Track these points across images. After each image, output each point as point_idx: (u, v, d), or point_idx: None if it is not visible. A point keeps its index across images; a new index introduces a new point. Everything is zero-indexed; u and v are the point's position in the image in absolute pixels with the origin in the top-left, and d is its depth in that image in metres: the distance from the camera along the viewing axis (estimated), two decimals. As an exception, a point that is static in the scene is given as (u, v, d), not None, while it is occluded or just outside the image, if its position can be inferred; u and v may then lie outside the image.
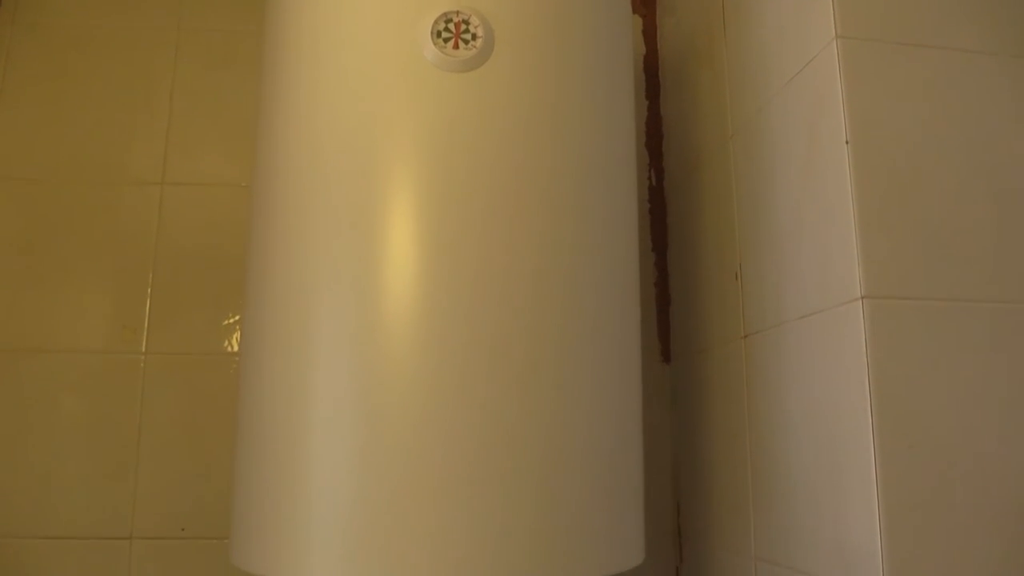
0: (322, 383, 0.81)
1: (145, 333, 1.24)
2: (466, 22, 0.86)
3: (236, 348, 1.24)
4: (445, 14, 0.86)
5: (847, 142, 0.80)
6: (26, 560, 1.16)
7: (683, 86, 1.29)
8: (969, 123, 0.82)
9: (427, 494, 0.76)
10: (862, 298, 0.77)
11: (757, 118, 1.00)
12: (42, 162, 1.28)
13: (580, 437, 0.83)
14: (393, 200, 0.84)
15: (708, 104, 1.18)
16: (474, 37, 0.86)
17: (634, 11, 1.40)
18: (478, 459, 0.77)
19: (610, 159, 0.95)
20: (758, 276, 0.99)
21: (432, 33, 0.85)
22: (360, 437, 0.78)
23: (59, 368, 1.22)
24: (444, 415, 0.77)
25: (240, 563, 0.85)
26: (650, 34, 1.44)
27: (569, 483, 0.81)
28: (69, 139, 1.29)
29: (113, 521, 1.19)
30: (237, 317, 1.25)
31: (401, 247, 0.82)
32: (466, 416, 0.78)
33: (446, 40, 0.85)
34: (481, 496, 0.77)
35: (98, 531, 1.18)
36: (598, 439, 0.85)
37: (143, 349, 1.23)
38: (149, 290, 1.25)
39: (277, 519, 0.80)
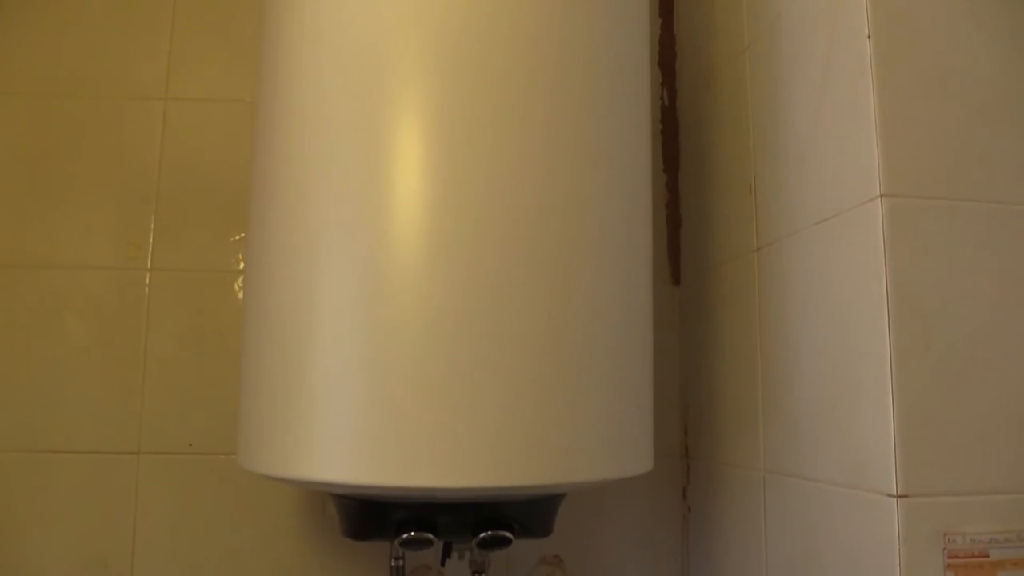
0: (329, 284, 0.80)
1: (150, 249, 1.23)
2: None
3: (242, 265, 1.23)
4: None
5: (869, 37, 0.78)
6: (33, 473, 1.17)
7: (697, 1, 1.26)
8: (1002, 17, 0.79)
9: (434, 393, 0.75)
10: (881, 196, 0.75)
11: (775, 24, 0.97)
12: (42, 77, 1.25)
13: (588, 341, 0.82)
14: (400, 102, 0.82)
15: (723, 17, 1.15)
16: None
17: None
18: (485, 359, 0.76)
19: (623, 76, 0.93)
20: (773, 186, 0.97)
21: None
22: (367, 337, 0.77)
23: (64, 285, 1.21)
24: (452, 315, 0.76)
25: (248, 465, 0.84)
26: (664, -50, 1.40)
27: (575, 386, 0.80)
28: (69, 54, 1.26)
29: (120, 436, 1.19)
30: (243, 234, 1.23)
31: (409, 149, 0.81)
32: (474, 316, 0.77)
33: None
34: (487, 396, 0.76)
35: (105, 446, 1.18)
36: (606, 344, 0.84)
37: (148, 266, 1.22)
38: (154, 206, 1.24)
39: (284, 420, 0.79)
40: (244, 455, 0.85)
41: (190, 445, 1.19)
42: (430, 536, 0.85)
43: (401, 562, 1.04)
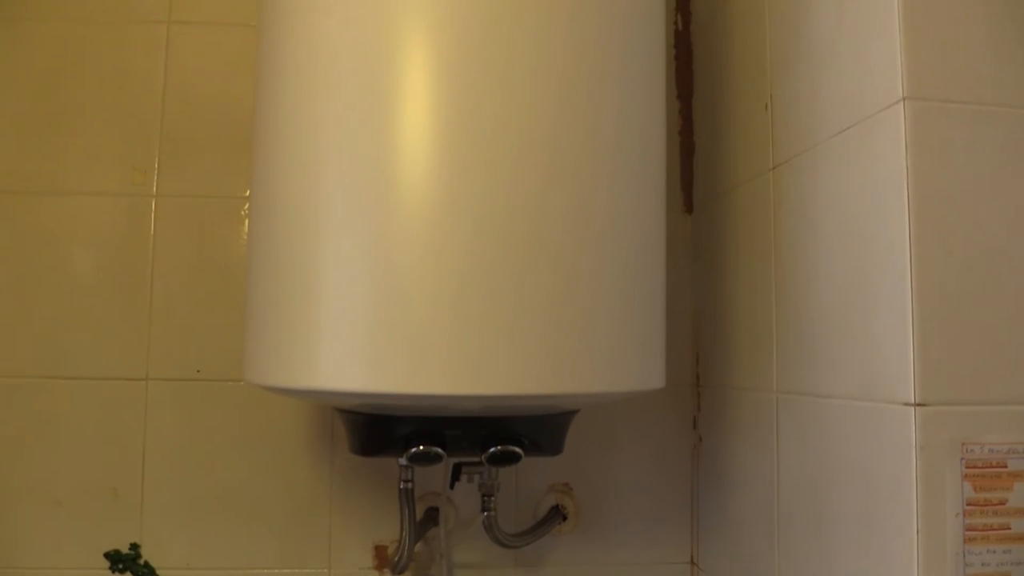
0: (336, 191, 0.78)
1: (155, 175, 1.21)
2: None
3: (248, 192, 1.21)
4: None
5: (895, -67, 0.75)
6: (42, 399, 1.16)
7: (714, -80, 1.23)
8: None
9: (445, 299, 0.74)
10: (904, 100, 0.73)
11: (795, -68, 0.94)
12: (44, 2, 1.23)
13: (601, 254, 0.81)
14: (412, 11, 0.80)
15: (740, -67, 1.11)
16: None
17: None
18: (498, 266, 0.75)
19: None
20: (791, 101, 0.94)
21: None
22: (376, 243, 0.76)
23: (69, 211, 1.19)
24: (464, 219, 0.75)
25: (256, 379, 0.84)
26: None
27: (588, 297, 0.79)
28: (71, -24, 1.24)
29: (128, 363, 1.18)
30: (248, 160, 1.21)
31: (420, 59, 0.78)
32: (487, 222, 0.75)
33: None
34: (499, 302, 0.75)
35: (113, 372, 1.18)
36: (620, 258, 0.83)
37: (154, 192, 1.21)
38: (158, 132, 1.22)
39: (292, 329, 0.78)
40: (251, 369, 0.84)
41: (198, 371, 1.19)
42: (439, 450, 0.84)
43: (410, 485, 1.04)
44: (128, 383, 1.18)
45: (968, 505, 0.71)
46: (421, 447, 0.84)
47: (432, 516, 1.17)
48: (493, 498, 1.07)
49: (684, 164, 1.28)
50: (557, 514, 1.20)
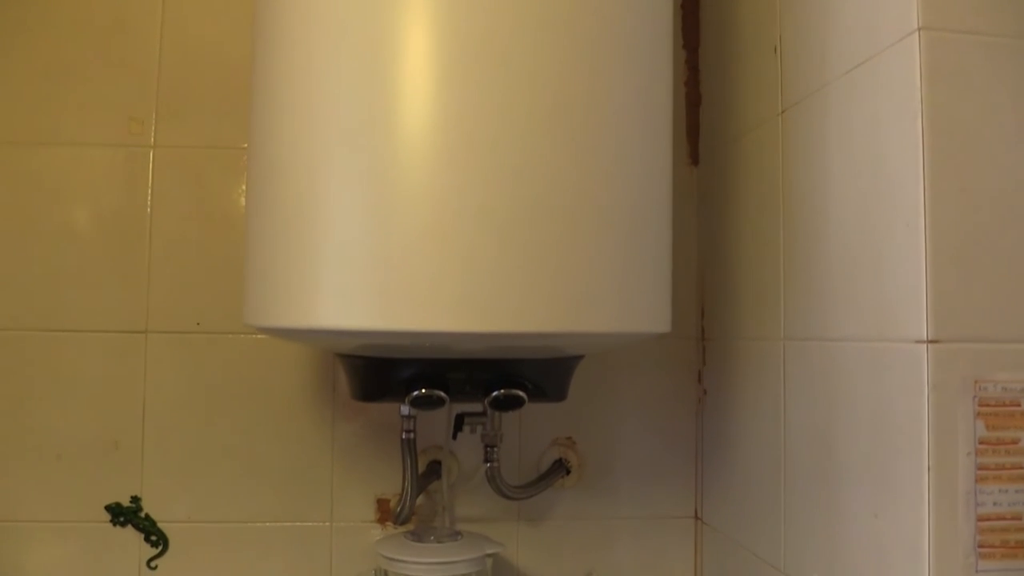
0: (337, 124, 0.76)
1: (153, 126, 1.19)
2: None
3: (245, 145, 1.19)
4: None
5: None
6: (41, 352, 1.15)
7: None
8: None
9: (449, 235, 0.72)
10: (919, 30, 0.71)
11: None
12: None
13: (609, 193, 0.79)
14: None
15: None
16: None
17: None
18: (504, 201, 0.73)
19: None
20: (801, 41, 0.92)
21: None
22: (377, 176, 0.74)
23: (66, 162, 1.18)
24: (468, 153, 0.73)
25: (256, 321, 0.82)
26: None
27: (595, 236, 0.77)
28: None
29: (127, 315, 1.17)
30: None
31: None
32: (492, 156, 0.74)
33: None
34: (505, 239, 0.73)
35: (113, 325, 1.17)
36: (627, 199, 0.81)
37: (152, 142, 1.19)
38: (156, 81, 1.19)
39: (294, 268, 0.77)
40: (252, 312, 0.83)
41: (198, 324, 1.17)
42: (441, 394, 0.83)
43: (412, 435, 1.03)
44: (128, 336, 1.17)
45: (980, 444, 0.69)
46: (423, 390, 0.83)
47: (435, 469, 1.16)
48: (496, 449, 1.06)
49: (690, 115, 1.26)
50: (560, 467, 1.19)
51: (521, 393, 0.84)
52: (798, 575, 0.91)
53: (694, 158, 1.26)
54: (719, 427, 1.16)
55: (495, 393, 0.84)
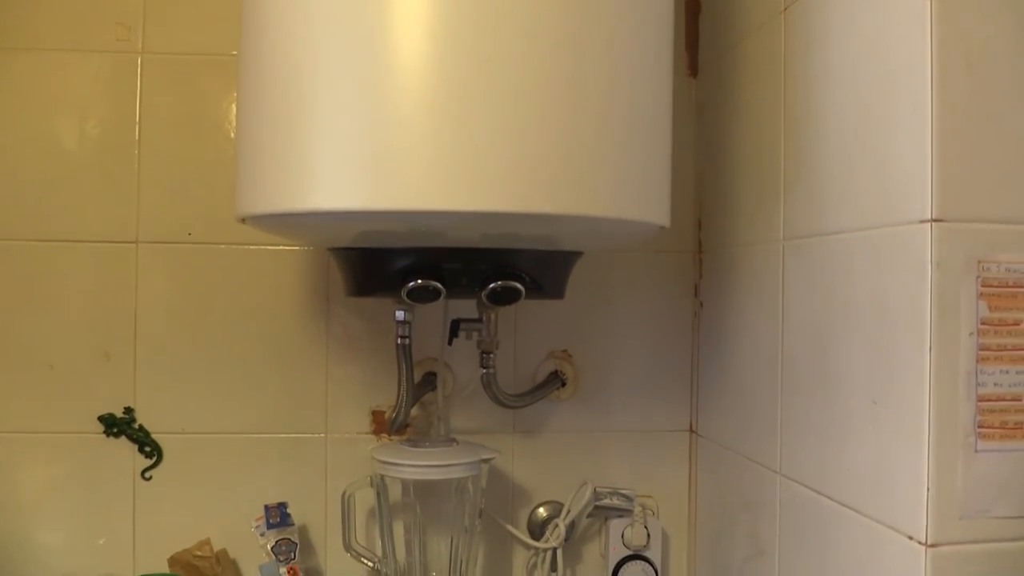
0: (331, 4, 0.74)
1: (141, 31, 1.16)
2: None
3: (235, 53, 1.17)
4: None
5: None
6: (30, 262, 1.14)
7: None
8: None
9: (443, 111, 0.70)
10: (929, -98, 0.69)
11: None
12: None
13: (610, 79, 0.77)
14: None
15: None
16: None
17: None
18: (502, 78, 0.71)
19: None
20: (805, -68, 0.90)
21: None
22: (373, 57, 0.72)
23: (49, 68, 1.15)
24: (466, 25, 0.71)
25: (249, 209, 0.80)
26: None
27: (596, 119, 0.76)
28: None
29: (117, 225, 1.15)
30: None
31: None
32: (491, 30, 0.71)
33: None
34: (503, 119, 0.71)
35: (103, 235, 1.15)
36: (627, 89, 0.79)
37: (140, 48, 1.16)
38: (142, -17, 1.16)
39: (286, 152, 0.75)
40: (244, 201, 0.81)
41: (189, 234, 1.16)
42: (437, 285, 0.82)
43: (407, 341, 1.02)
44: (117, 246, 1.15)
45: (982, 324, 0.69)
46: (419, 281, 0.81)
47: (430, 381, 1.16)
48: (492, 355, 1.05)
49: (689, 25, 1.23)
50: (556, 379, 1.19)
51: (518, 285, 0.83)
52: (794, 474, 0.91)
53: (693, 69, 1.24)
54: (715, 340, 1.15)
55: (492, 285, 0.82)
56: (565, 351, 1.21)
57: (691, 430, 1.23)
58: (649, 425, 1.23)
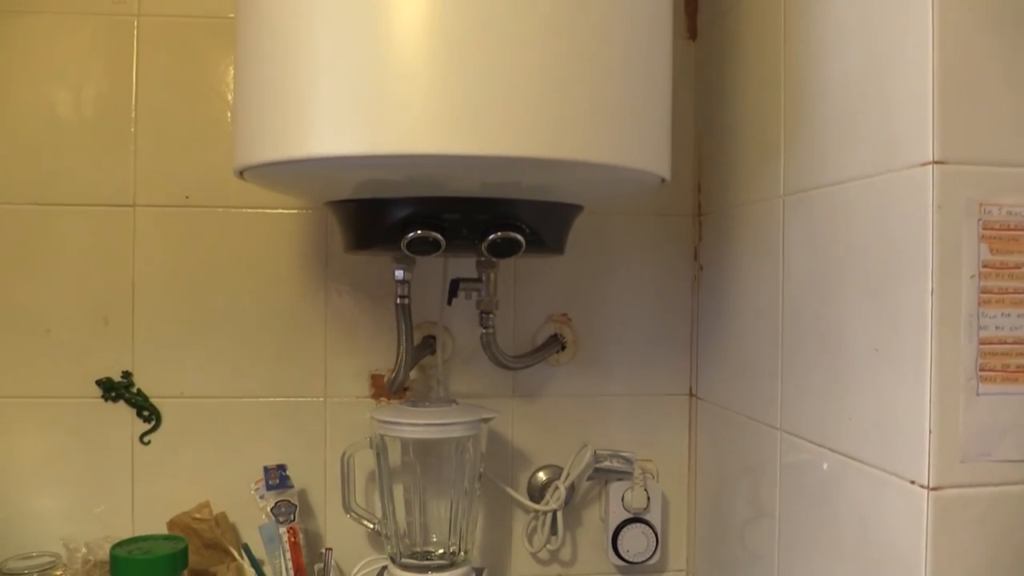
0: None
1: (137, -7, 1.16)
2: None
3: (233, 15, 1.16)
4: None
5: None
6: (27, 226, 1.13)
7: None
8: None
9: (444, 55, 0.70)
10: None
11: None
12: None
13: (608, 35, 0.76)
14: None
15: None
16: None
17: None
18: (504, 19, 0.70)
19: None
20: None
21: None
22: (371, 4, 0.71)
23: (45, 30, 1.14)
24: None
25: (248, 159, 0.80)
26: None
27: (596, 63, 0.75)
28: None
29: (114, 189, 1.14)
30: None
31: None
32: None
33: None
34: (502, 63, 0.71)
35: (100, 199, 1.14)
36: (628, 43, 0.79)
37: (136, 10, 1.15)
38: (138, -57, 1.15)
39: (283, 99, 0.75)
40: (242, 152, 0.81)
41: (187, 197, 1.15)
42: (437, 235, 0.82)
43: (406, 300, 1.02)
44: (115, 209, 1.15)
45: (984, 267, 0.69)
46: (419, 232, 0.81)
47: (429, 344, 1.15)
48: (492, 315, 1.05)
49: (689, -13, 1.23)
50: (556, 342, 1.19)
51: (519, 236, 0.82)
52: (795, 430, 0.91)
53: (692, 32, 1.23)
54: (715, 302, 1.15)
55: (492, 236, 0.82)
56: (564, 315, 1.21)
57: (691, 394, 1.23)
58: (649, 389, 1.23)
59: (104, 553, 1.02)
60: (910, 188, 0.70)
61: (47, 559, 1.08)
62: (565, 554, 1.22)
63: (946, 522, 0.68)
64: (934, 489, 0.68)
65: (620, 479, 1.17)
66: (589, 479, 1.18)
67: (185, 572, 1.00)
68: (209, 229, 1.15)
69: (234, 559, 1.10)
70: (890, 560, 0.73)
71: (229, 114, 1.14)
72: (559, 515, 1.16)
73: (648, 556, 1.17)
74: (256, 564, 1.06)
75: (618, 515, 1.17)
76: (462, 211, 0.82)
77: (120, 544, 1.00)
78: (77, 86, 1.14)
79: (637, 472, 1.16)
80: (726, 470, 1.11)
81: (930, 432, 0.68)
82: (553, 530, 1.17)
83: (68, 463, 1.14)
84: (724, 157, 1.12)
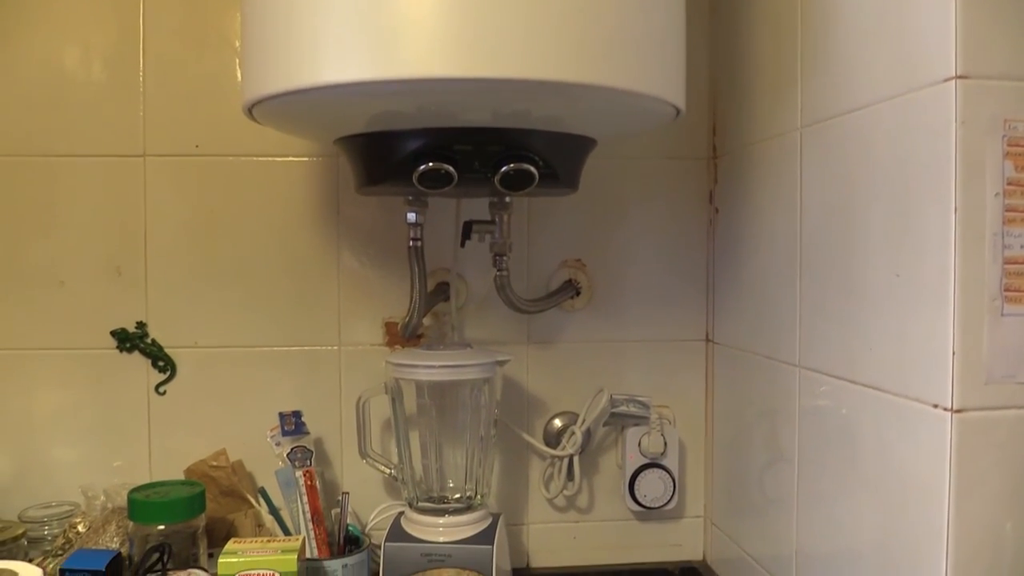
0: None
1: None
2: None
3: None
4: None
5: None
6: (38, 178, 1.13)
7: None
8: None
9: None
10: None
11: None
12: None
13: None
14: None
15: None
16: None
17: None
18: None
19: None
20: None
21: None
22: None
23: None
24: None
25: (257, 92, 0.78)
26: None
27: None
28: None
29: (124, 139, 1.14)
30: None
31: None
32: None
33: None
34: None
35: (110, 149, 1.14)
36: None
37: (141, -42, 1.14)
38: None
39: (292, 29, 0.73)
40: (251, 86, 0.80)
41: (197, 147, 1.15)
42: (449, 168, 0.81)
43: (419, 243, 1.01)
44: (125, 160, 1.14)
45: (1008, 185, 0.67)
46: (431, 164, 0.80)
47: (443, 290, 1.15)
48: (505, 258, 1.04)
49: (702, -75, 1.20)
50: (570, 287, 1.18)
51: (532, 168, 0.81)
52: (814, 365, 0.90)
53: (705, -32, 1.21)
54: (732, 245, 1.14)
55: (504, 168, 0.81)
56: (579, 260, 1.19)
57: (707, 339, 1.22)
58: (664, 335, 1.22)
59: (122, 500, 1.03)
60: (933, 105, 0.68)
61: (66, 507, 1.09)
62: (582, 501, 1.22)
63: (970, 445, 0.67)
64: (958, 412, 0.67)
65: (636, 424, 1.16)
66: (605, 424, 1.18)
67: (203, 516, 1.01)
68: (220, 178, 1.15)
69: (251, 506, 1.10)
70: (913, 488, 0.72)
71: (238, 61, 1.13)
72: (576, 460, 1.16)
73: (665, 501, 1.17)
74: (274, 508, 1.06)
75: (635, 460, 1.16)
76: (474, 142, 0.80)
77: (138, 489, 1.00)
78: (85, 37, 1.13)
79: (654, 417, 1.15)
80: (744, 413, 1.10)
81: (954, 354, 0.67)
82: (570, 476, 1.16)
83: (85, 414, 1.15)
84: (739, 94, 1.10)
